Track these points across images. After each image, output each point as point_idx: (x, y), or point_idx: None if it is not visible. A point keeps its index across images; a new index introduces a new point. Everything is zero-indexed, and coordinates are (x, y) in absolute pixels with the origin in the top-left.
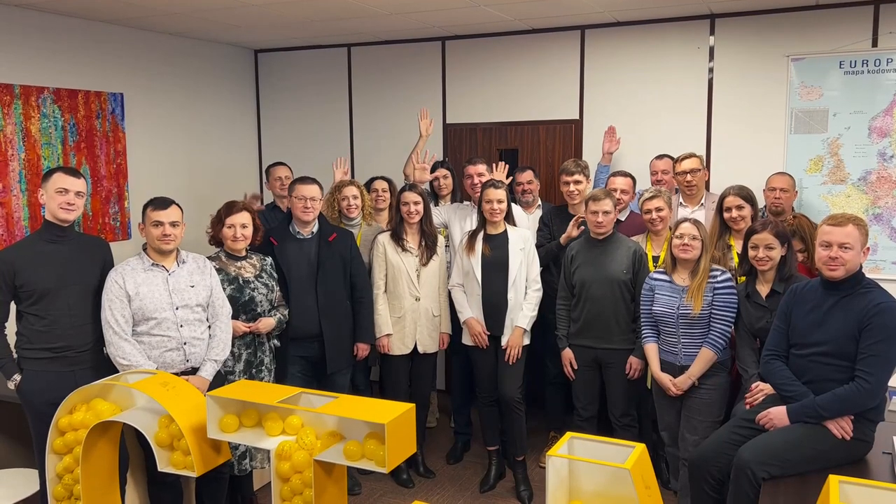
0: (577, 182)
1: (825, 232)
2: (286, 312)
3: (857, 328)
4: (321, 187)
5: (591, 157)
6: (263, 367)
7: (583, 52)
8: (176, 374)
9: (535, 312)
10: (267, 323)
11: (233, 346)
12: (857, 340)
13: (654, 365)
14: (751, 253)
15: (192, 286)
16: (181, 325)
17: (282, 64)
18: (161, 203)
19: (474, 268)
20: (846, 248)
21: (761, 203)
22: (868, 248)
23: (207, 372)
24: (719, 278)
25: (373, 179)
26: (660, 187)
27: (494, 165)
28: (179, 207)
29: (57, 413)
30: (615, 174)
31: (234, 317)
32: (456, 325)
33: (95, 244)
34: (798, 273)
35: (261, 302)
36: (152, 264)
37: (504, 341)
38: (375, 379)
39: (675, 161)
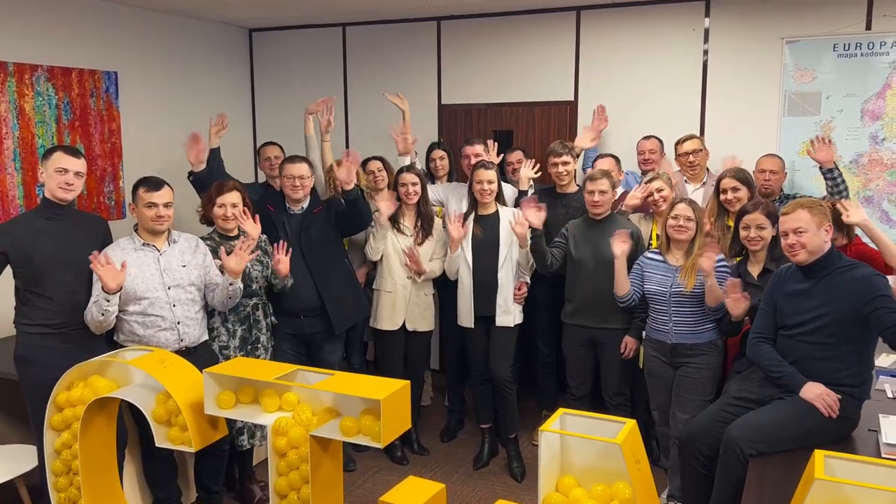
0: (565, 163)
1: (780, 223)
2: (288, 280)
3: (851, 299)
4: (311, 165)
5: None
6: (259, 345)
7: (578, 34)
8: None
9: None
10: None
11: (227, 321)
12: (856, 309)
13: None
14: (742, 233)
15: (184, 266)
16: (174, 305)
17: (276, 43)
18: (154, 184)
19: (465, 250)
20: (800, 231)
21: None
22: (830, 227)
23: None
24: (714, 258)
25: (367, 160)
26: (658, 170)
27: (486, 145)
28: (170, 188)
29: (55, 389)
30: (600, 157)
31: None
32: (450, 305)
33: (94, 222)
34: None
35: (256, 278)
36: (143, 244)
37: (498, 321)
38: (371, 359)
39: (677, 143)
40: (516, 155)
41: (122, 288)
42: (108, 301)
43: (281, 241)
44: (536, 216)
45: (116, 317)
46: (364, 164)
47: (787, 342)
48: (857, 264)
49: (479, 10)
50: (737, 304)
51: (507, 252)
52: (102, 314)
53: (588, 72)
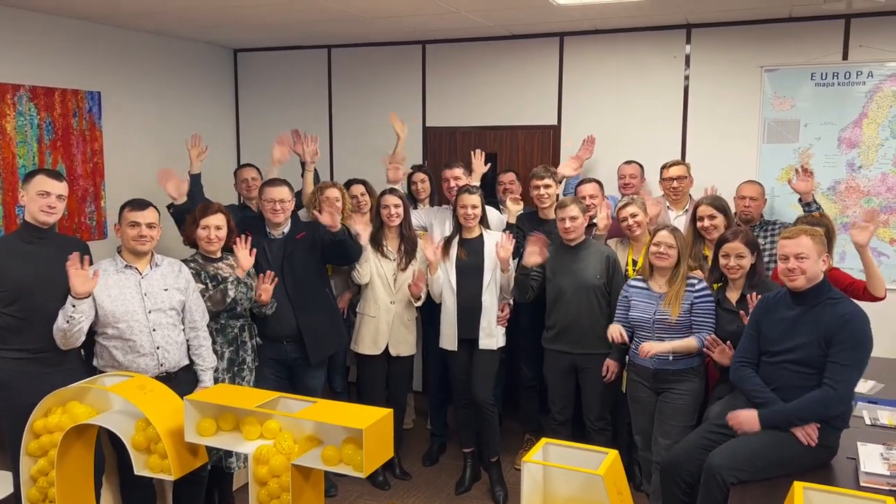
0: (547, 186)
1: (781, 246)
2: (272, 307)
3: (824, 338)
4: (291, 188)
5: None
6: (245, 367)
7: (561, 59)
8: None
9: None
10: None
11: (215, 343)
12: (825, 349)
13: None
14: (721, 261)
15: (166, 289)
16: (154, 329)
17: (261, 64)
18: (138, 204)
19: (449, 273)
20: (802, 257)
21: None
22: (827, 257)
23: (209, 380)
24: (697, 286)
25: (350, 183)
26: (633, 195)
27: (474, 154)
28: (157, 210)
29: (32, 415)
30: (583, 182)
31: (215, 315)
32: (433, 328)
33: (74, 245)
34: (769, 280)
35: (241, 300)
36: (125, 266)
37: (481, 344)
38: (353, 381)
39: (663, 167)
40: (509, 176)
41: (90, 296)
42: (73, 307)
43: (268, 272)
44: (535, 257)
45: (96, 342)
46: (347, 186)
47: (770, 368)
48: (844, 299)
49: (464, 35)
50: (723, 356)
51: (491, 275)
52: (67, 321)
53: (570, 97)
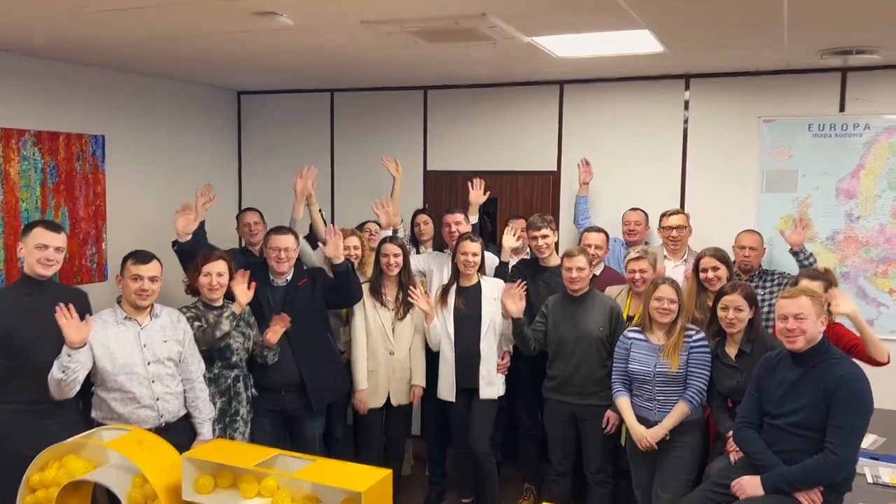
0: (545, 236)
1: (780, 306)
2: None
3: (824, 400)
4: (296, 236)
5: (569, 208)
6: (238, 418)
7: (561, 106)
8: (149, 430)
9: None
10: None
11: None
12: (825, 411)
13: (629, 416)
14: (720, 314)
15: (165, 341)
16: (153, 381)
17: (264, 106)
18: (142, 257)
19: (446, 322)
20: (800, 318)
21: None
22: (826, 318)
23: (207, 432)
24: (694, 337)
25: (365, 223)
26: (646, 248)
27: (471, 183)
28: (160, 262)
29: (28, 470)
30: (589, 230)
31: (210, 362)
32: (431, 376)
33: (73, 296)
34: (768, 334)
35: (237, 350)
36: (125, 318)
37: (482, 393)
38: (350, 424)
39: (663, 216)
40: (520, 223)
41: (85, 344)
42: (69, 357)
43: (283, 314)
44: (516, 306)
45: (94, 394)
46: (361, 227)
47: (772, 431)
48: (843, 358)
49: (465, 81)
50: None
51: (489, 323)
52: (63, 371)
53: (571, 143)
